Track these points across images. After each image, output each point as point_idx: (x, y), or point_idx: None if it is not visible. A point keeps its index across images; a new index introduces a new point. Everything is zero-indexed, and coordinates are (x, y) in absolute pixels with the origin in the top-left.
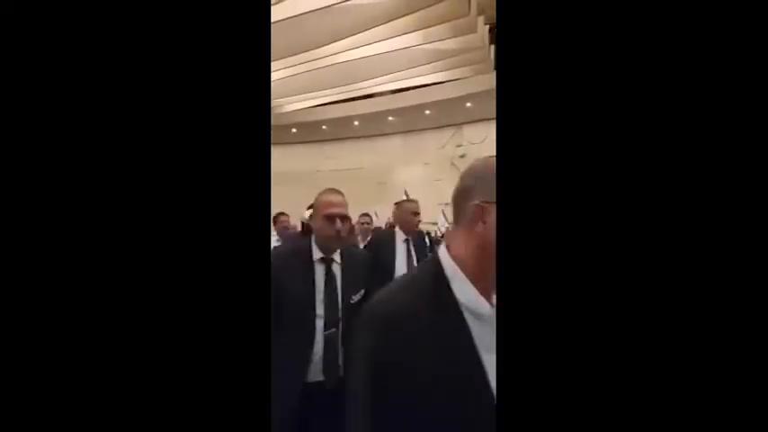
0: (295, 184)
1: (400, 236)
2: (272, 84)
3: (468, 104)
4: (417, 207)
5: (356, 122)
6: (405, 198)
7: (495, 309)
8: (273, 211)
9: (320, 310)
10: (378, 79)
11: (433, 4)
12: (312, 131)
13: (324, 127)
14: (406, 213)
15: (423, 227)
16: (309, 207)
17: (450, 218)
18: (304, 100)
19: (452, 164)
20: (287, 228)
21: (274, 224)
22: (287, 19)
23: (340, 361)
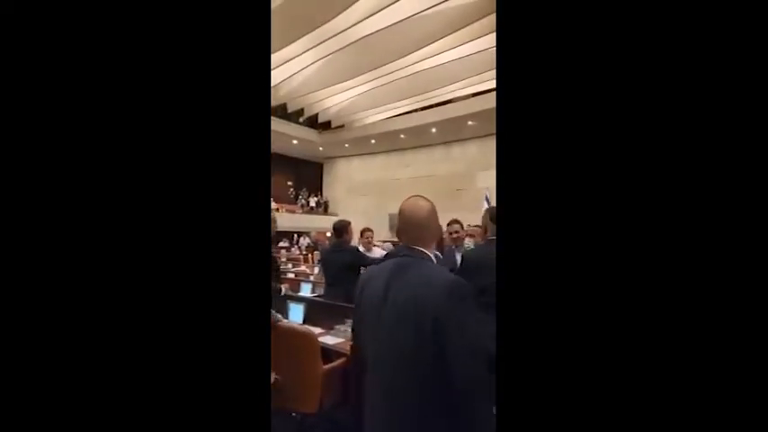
0: (375, 193)
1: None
2: (353, 99)
3: None
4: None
5: (434, 129)
6: (486, 204)
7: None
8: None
9: None
10: (456, 84)
11: None
12: (391, 141)
13: (402, 136)
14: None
15: None
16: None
17: None
18: (384, 111)
19: None
20: (370, 242)
21: (361, 237)
22: (369, 35)
23: None
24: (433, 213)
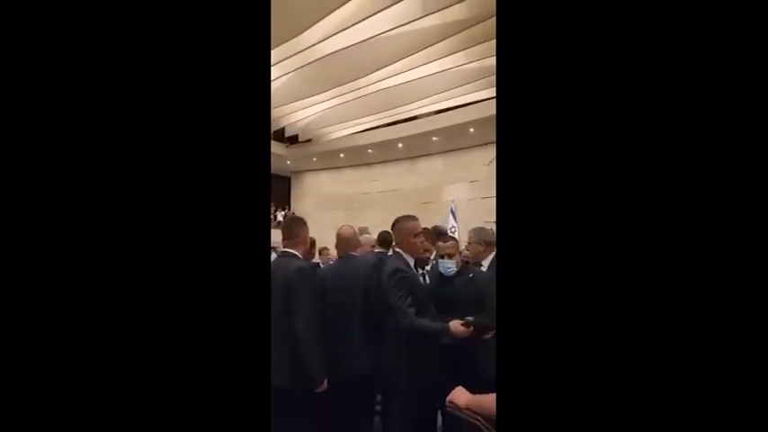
0: (345, 207)
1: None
2: (321, 113)
3: None
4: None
5: (400, 145)
6: (452, 216)
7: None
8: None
9: None
10: (423, 101)
11: (478, 23)
12: (359, 155)
13: (370, 151)
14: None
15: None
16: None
17: None
18: (352, 126)
19: None
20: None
21: (320, 255)
22: (335, 53)
23: None
24: (355, 235)
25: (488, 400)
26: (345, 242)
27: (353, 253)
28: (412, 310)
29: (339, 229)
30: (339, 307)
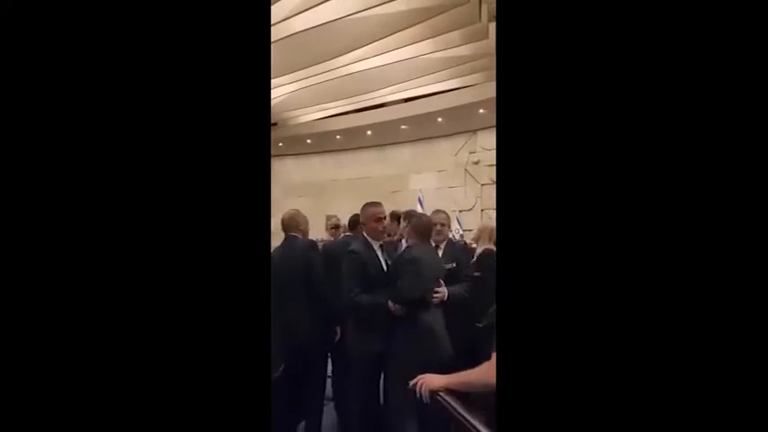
0: (312, 194)
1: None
2: (286, 96)
3: (482, 111)
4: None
5: (369, 132)
6: (420, 205)
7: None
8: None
9: None
10: (390, 88)
11: (444, 12)
12: (327, 141)
13: (338, 137)
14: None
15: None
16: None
17: (465, 224)
18: (318, 111)
19: (466, 170)
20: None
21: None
22: (300, 32)
23: None
24: (294, 217)
25: (476, 373)
26: (286, 224)
27: (294, 234)
28: (357, 290)
29: (285, 213)
30: (285, 284)
